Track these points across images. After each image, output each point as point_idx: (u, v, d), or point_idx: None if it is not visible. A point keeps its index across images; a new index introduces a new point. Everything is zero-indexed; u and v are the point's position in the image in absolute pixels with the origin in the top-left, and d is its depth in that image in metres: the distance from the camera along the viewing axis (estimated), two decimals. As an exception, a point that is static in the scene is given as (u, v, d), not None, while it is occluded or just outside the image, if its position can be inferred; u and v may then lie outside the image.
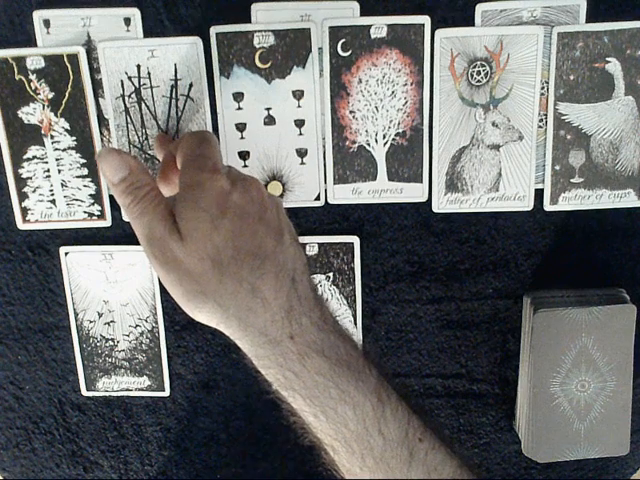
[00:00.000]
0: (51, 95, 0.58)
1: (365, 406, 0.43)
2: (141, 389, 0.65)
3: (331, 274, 0.62)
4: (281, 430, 0.64)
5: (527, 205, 0.60)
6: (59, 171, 0.60)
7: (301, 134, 0.59)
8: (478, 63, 0.57)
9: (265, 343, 0.43)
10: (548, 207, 0.60)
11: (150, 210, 0.43)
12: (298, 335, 0.43)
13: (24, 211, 0.61)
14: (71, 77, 0.58)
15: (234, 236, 0.43)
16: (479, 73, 0.58)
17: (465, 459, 0.46)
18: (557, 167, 0.59)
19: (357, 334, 0.63)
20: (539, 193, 0.60)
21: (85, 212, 0.61)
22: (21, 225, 0.62)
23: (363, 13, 0.57)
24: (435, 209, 0.61)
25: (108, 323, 0.64)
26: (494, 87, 0.58)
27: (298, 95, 0.58)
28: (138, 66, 0.58)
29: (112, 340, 0.64)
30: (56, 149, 0.60)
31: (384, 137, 0.59)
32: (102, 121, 0.59)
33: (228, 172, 0.45)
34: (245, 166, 0.60)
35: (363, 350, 0.46)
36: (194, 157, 0.46)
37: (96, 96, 0.59)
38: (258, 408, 0.64)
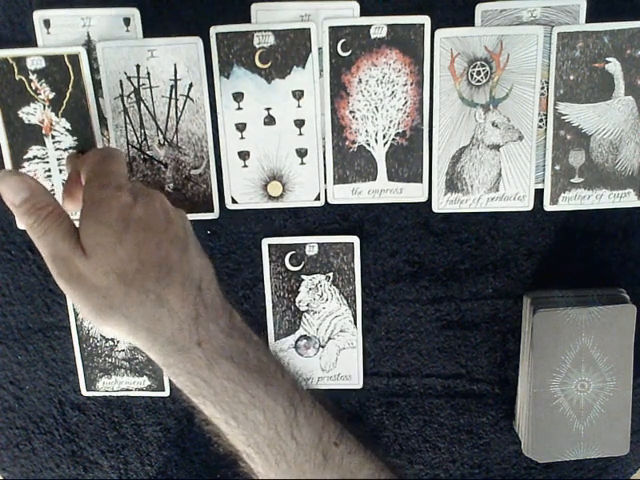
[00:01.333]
0: (52, 95, 0.58)
1: (276, 410, 0.44)
2: (141, 389, 0.65)
3: (331, 274, 0.62)
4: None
5: (527, 205, 0.60)
6: (60, 171, 0.60)
7: (301, 134, 0.59)
8: (478, 63, 0.57)
9: (173, 351, 0.44)
10: (548, 207, 0.60)
11: (53, 229, 0.44)
12: (206, 342, 0.44)
13: (24, 211, 0.61)
14: (72, 77, 0.58)
15: (138, 249, 0.43)
16: (479, 73, 0.58)
17: (388, 463, 0.46)
18: (557, 167, 0.59)
19: (357, 334, 0.63)
20: (539, 193, 0.60)
21: (85, 212, 0.61)
22: (21, 225, 0.62)
23: (363, 13, 0.57)
24: (435, 209, 0.61)
25: (108, 323, 0.64)
26: (494, 87, 0.58)
27: (298, 95, 0.58)
28: (137, 66, 0.58)
29: (112, 340, 0.64)
30: (57, 149, 0.60)
31: (384, 137, 0.59)
32: (103, 121, 0.59)
33: (132, 187, 0.46)
34: (245, 166, 0.60)
35: (275, 356, 0.47)
36: (97, 174, 0.47)
37: (97, 96, 0.59)
38: (258, 408, 0.64)
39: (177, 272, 0.44)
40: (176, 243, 0.45)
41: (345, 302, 0.63)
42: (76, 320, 0.64)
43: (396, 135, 0.59)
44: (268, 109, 0.59)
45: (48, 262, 0.44)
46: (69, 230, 0.44)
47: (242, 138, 0.59)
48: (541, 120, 0.59)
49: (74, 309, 0.63)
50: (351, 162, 0.60)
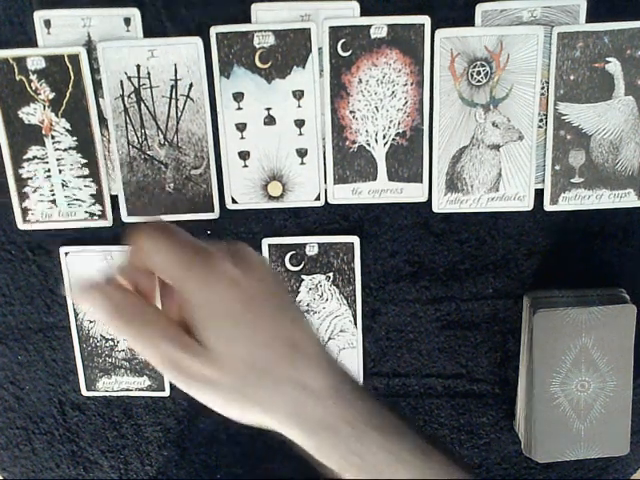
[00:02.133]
0: (52, 95, 0.58)
1: (424, 469, 0.42)
2: (141, 389, 0.65)
3: (331, 274, 0.62)
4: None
5: (527, 205, 0.60)
6: (60, 171, 0.60)
7: (301, 134, 0.59)
8: (478, 63, 0.57)
9: (323, 432, 0.41)
10: (548, 207, 0.60)
11: (156, 335, 0.39)
12: (351, 415, 0.41)
13: (24, 211, 0.61)
14: (72, 77, 0.58)
15: (260, 331, 0.40)
16: (479, 73, 0.58)
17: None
18: (557, 167, 0.59)
19: (357, 334, 0.63)
20: (539, 193, 0.60)
21: (86, 212, 0.61)
22: (21, 225, 0.62)
23: (363, 13, 0.57)
24: (435, 209, 0.61)
25: (108, 323, 0.64)
26: (494, 87, 0.58)
27: (298, 95, 0.58)
28: (138, 66, 0.58)
29: (112, 340, 0.64)
30: (57, 149, 0.60)
31: (384, 137, 0.59)
32: (103, 121, 0.59)
33: (222, 256, 0.41)
34: (245, 166, 0.60)
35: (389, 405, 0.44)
36: (181, 260, 0.40)
37: (97, 96, 0.59)
38: (258, 408, 0.64)
39: (305, 350, 0.41)
40: (290, 315, 0.42)
41: (345, 302, 0.63)
42: (76, 320, 0.64)
43: (396, 135, 0.59)
44: (268, 109, 0.59)
45: (162, 371, 0.39)
46: (173, 330, 0.39)
47: (242, 138, 0.59)
48: (541, 120, 0.59)
49: (74, 309, 0.63)
50: (351, 162, 0.60)
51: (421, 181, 0.60)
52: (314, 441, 0.41)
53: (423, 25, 0.57)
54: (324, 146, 0.60)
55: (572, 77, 0.58)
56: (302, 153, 0.60)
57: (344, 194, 0.61)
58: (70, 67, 0.58)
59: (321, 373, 0.41)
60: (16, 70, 0.58)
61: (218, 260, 0.40)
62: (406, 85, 0.58)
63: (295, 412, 0.40)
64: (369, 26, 0.57)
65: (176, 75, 0.58)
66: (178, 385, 0.40)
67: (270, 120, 0.59)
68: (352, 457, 0.41)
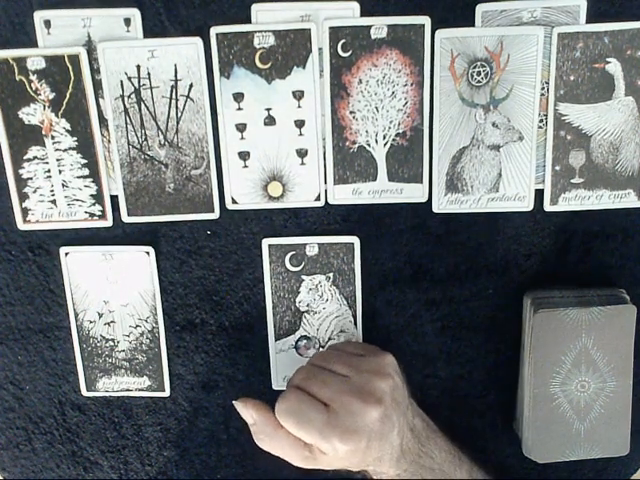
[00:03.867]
0: (52, 96, 0.58)
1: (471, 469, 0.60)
2: (141, 389, 0.65)
3: (331, 274, 0.62)
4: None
5: (527, 205, 0.60)
6: (60, 171, 0.60)
7: (301, 134, 0.59)
8: (478, 63, 0.57)
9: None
10: (548, 207, 0.60)
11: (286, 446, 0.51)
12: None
13: (24, 211, 0.61)
14: (72, 78, 0.58)
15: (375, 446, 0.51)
16: (479, 73, 0.58)
17: None
18: (557, 167, 0.59)
19: (357, 334, 0.63)
20: (539, 193, 0.60)
21: (86, 212, 0.61)
22: (21, 225, 0.62)
23: (363, 13, 0.57)
24: (435, 209, 0.61)
25: (108, 323, 0.64)
26: (494, 87, 0.58)
27: (298, 95, 0.58)
28: (138, 66, 0.58)
29: (112, 340, 0.64)
30: (57, 149, 0.60)
31: (384, 137, 0.59)
32: (103, 121, 0.59)
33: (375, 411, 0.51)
34: (245, 166, 0.60)
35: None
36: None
37: (97, 96, 0.59)
38: (258, 408, 0.64)
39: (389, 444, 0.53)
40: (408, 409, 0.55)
41: (345, 302, 0.63)
42: (76, 320, 0.64)
43: (396, 135, 0.59)
44: (268, 109, 0.59)
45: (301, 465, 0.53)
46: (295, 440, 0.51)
47: (242, 138, 0.59)
48: (541, 120, 0.59)
49: (74, 309, 0.63)
50: (351, 162, 0.60)
51: (421, 181, 0.60)
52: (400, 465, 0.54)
53: (423, 25, 0.57)
54: (324, 146, 0.60)
55: (572, 77, 0.58)
56: (302, 153, 0.60)
57: (344, 194, 0.61)
58: (70, 67, 0.58)
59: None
60: (16, 70, 0.58)
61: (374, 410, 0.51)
62: (406, 85, 0.58)
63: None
64: (369, 26, 0.57)
65: (176, 75, 0.58)
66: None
67: (270, 120, 0.59)
68: (426, 459, 0.55)
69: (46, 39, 0.57)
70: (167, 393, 0.65)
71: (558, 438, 0.59)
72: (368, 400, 0.50)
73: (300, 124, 0.59)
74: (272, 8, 0.56)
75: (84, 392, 0.66)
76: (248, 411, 0.53)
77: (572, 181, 0.60)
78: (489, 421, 0.65)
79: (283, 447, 0.52)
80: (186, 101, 0.59)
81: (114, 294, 0.63)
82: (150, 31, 0.57)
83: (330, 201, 0.61)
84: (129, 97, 0.58)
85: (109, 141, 0.60)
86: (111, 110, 0.59)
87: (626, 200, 0.60)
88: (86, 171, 0.60)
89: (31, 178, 0.60)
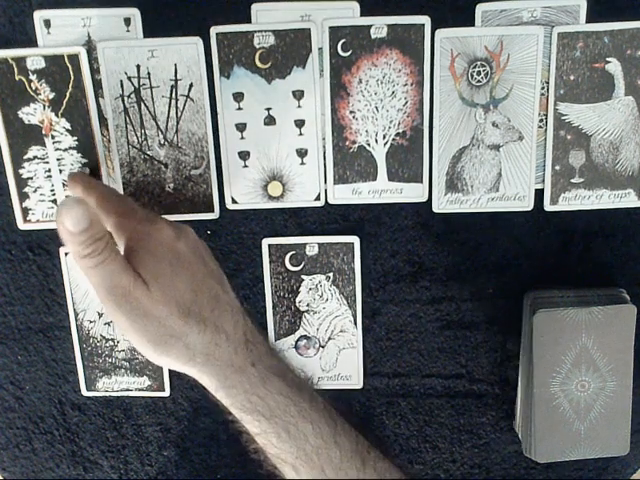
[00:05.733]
0: (52, 95, 0.58)
1: (320, 422, 0.49)
2: (141, 389, 0.65)
3: (331, 274, 0.62)
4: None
5: (527, 205, 0.60)
6: (60, 171, 0.60)
7: (301, 134, 0.59)
8: (478, 63, 0.57)
9: (232, 373, 0.48)
10: (548, 207, 0.60)
11: (111, 261, 0.45)
12: (258, 362, 0.48)
13: (25, 211, 0.61)
14: (72, 77, 0.58)
15: (191, 280, 0.47)
16: (479, 73, 0.58)
17: (405, 468, 0.54)
18: (557, 167, 0.59)
19: (357, 334, 0.63)
20: (539, 193, 0.60)
21: (85, 212, 0.61)
22: (22, 225, 0.62)
23: (363, 13, 0.57)
24: (435, 209, 0.61)
25: (108, 323, 0.64)
26: (494, 87, 0.58)
27: (298, 95, 0.58)
28: (138, 66, 0.58)
29: (112, 340, 0.64)
30: (57, 149, 0.60)
31: (384, 137, 0.59)
32: (103, 121, 0.59)
33: (167, 221, 0.49)
34: (245, 166, 0.60)
35: (304, 373, 0.53)
36: (126, 210, 0.50)
37: (97, 96, 0.59)
38: (258, 408, 0.64)
39: (224, 302, 0.49)
40: (215, 275, 0.50)
41: (345, 302, 0.63)
42: (76, 320, 0.64)
43: (396, 135, 0.59)
44: (268, 109, 0.59)
45: (103, 294, 0.45)
46: (124, 262, 0.45)
47: (242, 138, 0.59)
48: (541, 120, 0.59)
49: (74, 309, 0.63)
50: (351, 162, 0.60)
51: (421, 181, 0.60)
52: (224, 383, 0.48)
53: (423, 25, 0.57)
54: (324, 146, 0.60)
55: (572, 77, 0.58)
56: (302, 153, 0.60)
57: (344, 194, 0.61)
58: (70, 67, 0.58)
59: (238, 324, 0.49)
60: (16, 70, 0.58)
61: (164, 223, 0.48)
62: (406, 85, 0.58)
63: (211, 352, 0.47)
64: (369, 26, 0.57)
65: (176, 75, 0.58)
66: (114, 314, 0.45)
67: (270, 120, 0.59)
68: (254, 398, 0.48)
69: (46, 39, 0.57)
70: (167, 393, 0.65)
71: (558, 438, 0.59)
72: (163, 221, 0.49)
73: (300, 124, 0.59)
74: (272, 8, 0.57)
75: (84, 392, 0.66)
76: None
77: (572, 181, 0.60)
78: (489, 421, 0.65)
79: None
80: (186, 101, 0.59)
81: (114, 294, 0.63)
82: (150, 31, 0.57)
83: (330, 201, 0.61)
84: (129, 97, 0.58)
85: (109, 141, 0.60)
86: (111, 110, 0.59)
87: (626, 200, 0.60)
88: (86, 171, 0.60)
89: (31, 178, 0.60)
